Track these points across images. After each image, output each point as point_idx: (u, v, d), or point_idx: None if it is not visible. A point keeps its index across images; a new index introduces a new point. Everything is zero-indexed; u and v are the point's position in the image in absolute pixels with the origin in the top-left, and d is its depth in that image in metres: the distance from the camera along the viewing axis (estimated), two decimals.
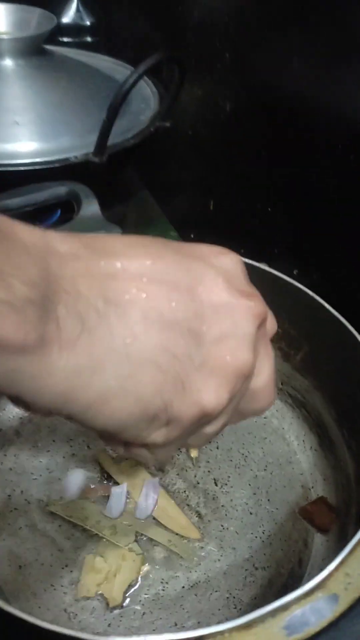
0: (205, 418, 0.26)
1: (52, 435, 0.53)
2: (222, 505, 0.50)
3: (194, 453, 0.52)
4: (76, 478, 0.49)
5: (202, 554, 0.46)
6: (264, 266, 0.52)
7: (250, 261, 0.53)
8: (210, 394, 0.26)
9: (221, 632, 0.29)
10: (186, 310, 0.25)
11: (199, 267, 0.27)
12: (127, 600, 0.43)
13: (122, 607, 0.43)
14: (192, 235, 0.87)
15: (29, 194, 0.54)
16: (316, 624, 0.30)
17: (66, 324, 0.22)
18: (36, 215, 0.68)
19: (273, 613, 0.30)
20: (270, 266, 0.54)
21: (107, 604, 0.43)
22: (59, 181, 0.56)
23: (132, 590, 0.44)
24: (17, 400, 0.24)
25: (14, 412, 0.54)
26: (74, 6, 1.05)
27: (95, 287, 0.23)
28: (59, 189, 0.55)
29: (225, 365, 0.26)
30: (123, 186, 0.90)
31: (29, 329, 0.20)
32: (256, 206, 0.77)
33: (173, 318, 0.25)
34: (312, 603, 0.30)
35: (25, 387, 0.22)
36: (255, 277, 0.52)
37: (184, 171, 0.93)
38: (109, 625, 0.42)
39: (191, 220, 0.91)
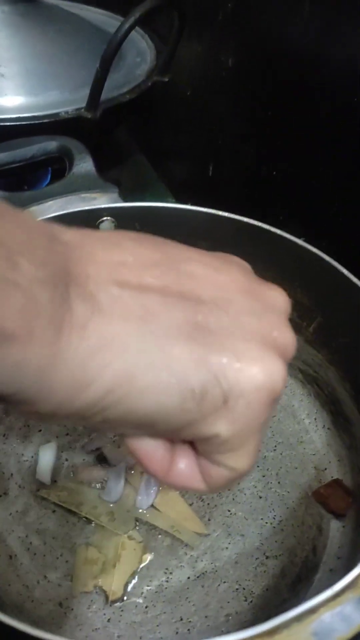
0: (273, 392, 0.22)
1: None
2: (229, 489, 0.46)
3: None
4: (46, 455, 0.45)
5: (208, 542, 0.43)
6: (275, 229, 0.48)
7: (261, 224, 0.48)
8: (271, 364, 0.22)
9: None
10: (212, 291, 0.22)
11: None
12: (128, 593, 0.40)
13: (122, 600, 0.39)
14: (189, 203, 0.82)
15: (14, 149, 0.49)
16: (347, 631, 0.26)
17: (78, 305, 0.19)
18: (25, 178, 0.63)
19: (299, 617, 0.26)
20: None
21: (107, 598, 0.39)
22: (48, 135, 0.51)
23: (133, 582, 0.40)
24: (12, 400, 0.19)
25: None
26: None
27: (105, 272, 0.21)
28: (49, 144, 0.50)
29: (274, 340, 0.23)
30: (117, 150, 0.85)
31: (38, 312, 0.18)
32: (260, 170, 0.72)
33: (197, 296, 0.22)
34: (342, 606, 0.27)
35: (29, 381, 0.18)
36: (266, 241, 0.48)
37: (181, 135, 0.87)
38: (109, 620, 0.39)
39: (189, 186, 0.86)
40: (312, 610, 0.26)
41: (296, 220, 0.67)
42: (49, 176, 0.65)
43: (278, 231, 0.47)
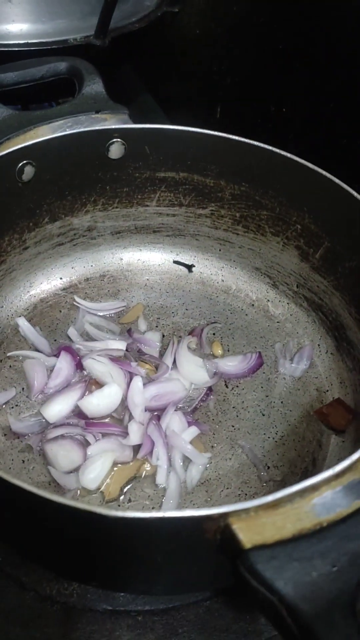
0: None
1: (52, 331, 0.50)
2: (233, 407, 0.47)
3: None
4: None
5: (213, 453, 0.44)
6: (285, 152, 0.47)
7: (269, 147, 0.48)
8: None
9: (246, 510, 0.26)
10: None
11: None
12: (135, 494, 0.41)
13: (118, 500, 0.41)
14: None
15: (25, 69, 0.49)
16: (348, 506, 0.27)
17: None
18: (27, 102, 0.63)
19: (301, 493, 0.27)
20: None
21: (103, 497, 0.41)
22: (59, 56, 0.50)
23: (137, 485, 0.42)
24: None
25: (12, 308, 0.51)
26: None
27: None
28: (59, 65, 0.50)
29: None
30: (126, 90, 0.84)
31: None
32: (269, 108, 0.71)
33: None
34: (343, 485, 0.28)
35: None
36: (276, 167, 0.48)
37: (189, 75, 0.86)
38: None
39: (196, 126, 0.85)
40: (314, 488, 0.28)
41: (304, 150, 0.66)
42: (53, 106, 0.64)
43: (287, 154, 0.47)
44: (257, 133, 0.69)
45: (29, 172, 0.44)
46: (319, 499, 0.27)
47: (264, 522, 0.26)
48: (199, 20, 0.78)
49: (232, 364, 0.49)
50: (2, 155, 0.42)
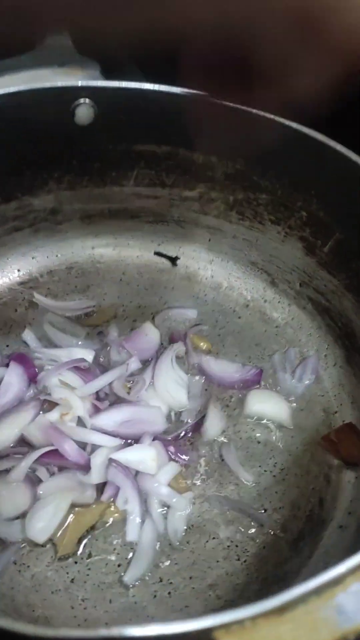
0: None
1: None
2: (223, 431, 0.39)
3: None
4: None
5: (196, 491, 0.36)
6: (290, 122, 0.39)
7: (272, 116, 0.39)
8: None
9: (240, 622, 0.18)
10: None
11: None
12: (99, 549, 0.33)
13: (74, 556, 0.32)
14: None
15: None
16: None
17: None
18: None
19: (318, 590, 0.19)
20: None
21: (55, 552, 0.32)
22: None
23: (104, 535, 0.33)
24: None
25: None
26: None
27: None
28: None
29: None
30: None
31: None
32: None
33: None
34: None
35: None
36: (279, 139, 0.40)
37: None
38: (72, 580, 0.32)
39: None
40: (337, 581, 0.19)
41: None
42: None
43: (293, 124, 0.39)
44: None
45: None
46: (343, 597, 0.19)
47: (264, 636, 0.18)
48: None
49: (222, 368, 0.41)
50: None
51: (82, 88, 0.38)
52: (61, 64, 0.39)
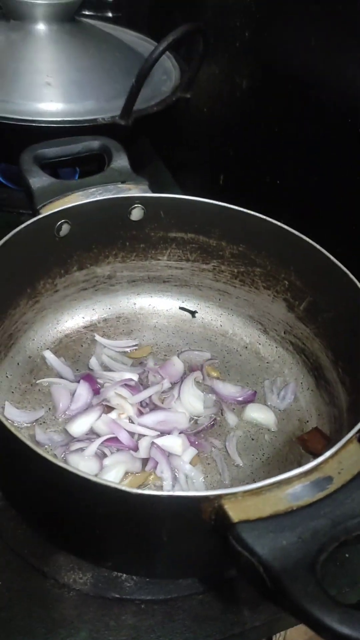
0: None
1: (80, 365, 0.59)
2: (228, 431, 0.55)
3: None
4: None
5: (208, 468, 0.52)
6: (276, 222, 0.57)
7: (264, 216, 0.58)
8: None
9: (235, 494, 0.34)
10: None
11: None
12: None
13: None
14: None
15: (65, 145, 0.59)
16: (313, 496, 0.36)
17: None
18: (57, 172, 0.74)
19: (278, 484, 0.36)
20: None
21: None
22: (92, 136, 0.61)
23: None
24: None
25: (41, 341, 0.60)
26: None
27: None
28: (93, 143, 0.60)
29: None
30: (139, 156, 0.95)
31: None
32: (265, 179, 0.82)
33: None
34: (310, 481, 0.36)
35: None
36: (268, 232, 0.58)
37: (196, 147, 0.98)
38: None
39: (202, 191, 0.96)
40: (288, 481, 0.36)
41: (295, 216, 0.77)
42: (78, 172, 0.75)
43: (277, 223, 0.57)
44: (254, 198, 0.80)
45: (65, 229, 0.54)
46: (291, 490, 0.36)
47: (248, 504, 0.34)
48: (208, 102, 0.90)
49: (228, 389, 0.58)
50: (46, 216, 0.52)
51: (136, 198, 0.57)
52: (122, 181, 0.58)
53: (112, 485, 0.34)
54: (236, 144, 0.88)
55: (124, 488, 0.34)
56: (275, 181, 0.81)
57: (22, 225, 0.50)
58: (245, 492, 0.35)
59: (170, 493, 0.34)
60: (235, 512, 0.34)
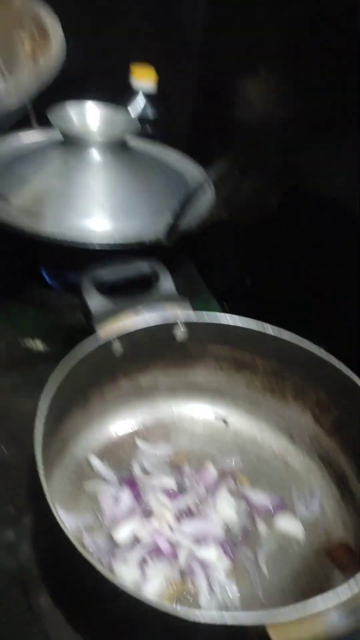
0: None
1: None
2: (259, 541, 0.59)
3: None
4: None
5: (240, 578, 0.56)
6: (307, 345, 0.63)
7: (297, 341, 0.64)
8: None
9: (281, 622, 0.38)
10: None
11: None
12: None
13: None
14: (230, 311, 0.99)
15: (120, 268, 0.67)
16: (348, 625, 0.39)
17: None
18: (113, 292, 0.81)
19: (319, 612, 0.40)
20: (300, 335, 0.65)
21: None
22: (143, 258, 0.69)
23: (180, 598, 0.53)
24: None
25: (88, 446, 0.65)
26: (141, 102, 1.22)
27: None
28: (144, 265, 0.68)
29: None
30: (173, 262, 1.04)
31: None
32: (293, 291, 0.89)
33: None
34: (346, 609, 0.40)
35: None
36: (296, 354, 0.64)
37: (226, 252, 1.06)
38: None
39: (230, 293, 1.03)
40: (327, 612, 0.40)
41: (317, 330, 0.82)
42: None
43: (306, 346, 0.63)
44: (278, 303, 0.84)
45: (119, 349, 0.61)
46: (329, 618, 0.40)
47: (289, 629, 0.39)
48: (238, 217, 0.99)
49: (259, 498, 0.62)
50: (105, 337, 0.59)
51: (181, 320, 0.64)
52: (167, 301, 0.65)
53: (172, 612, 0.38)
54: (262, 252, 0.95)
55: (182, 615, 0.38)
56: (301, 295, 0.87)
57: (90, 349, 0.57)
58: (290, 621, 0.39)
59: (225, 622, 0.38)
60: (278, 637, 0.38)
